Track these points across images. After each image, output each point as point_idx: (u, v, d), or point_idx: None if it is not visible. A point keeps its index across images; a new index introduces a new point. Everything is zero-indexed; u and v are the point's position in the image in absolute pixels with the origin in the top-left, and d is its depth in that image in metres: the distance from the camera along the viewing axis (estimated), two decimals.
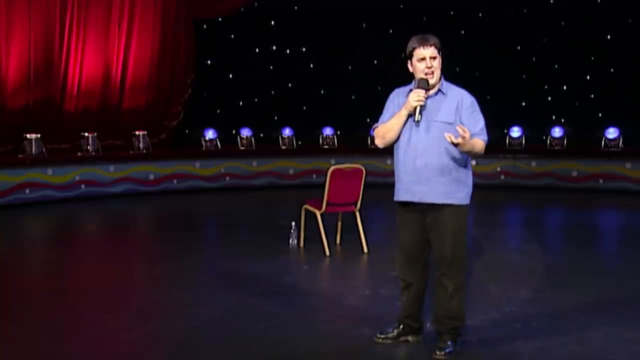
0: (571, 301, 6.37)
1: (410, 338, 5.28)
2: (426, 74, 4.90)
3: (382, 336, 5.30)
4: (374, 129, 5.12)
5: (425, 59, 4.91)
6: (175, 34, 13.69)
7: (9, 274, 7.47)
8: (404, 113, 4.93)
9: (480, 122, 4.93)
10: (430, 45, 4.91)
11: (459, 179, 4.95)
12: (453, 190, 4.93)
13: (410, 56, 4.99)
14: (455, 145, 4.74)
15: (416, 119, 4.88)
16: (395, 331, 5.29)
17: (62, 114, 12.55)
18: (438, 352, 5.00)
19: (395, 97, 5.10)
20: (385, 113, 5.10)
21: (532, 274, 7.35)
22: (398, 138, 5.00)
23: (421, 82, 4.91)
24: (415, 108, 4.87)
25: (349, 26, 14.19)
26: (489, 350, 5.18)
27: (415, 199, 4.97)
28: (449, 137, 4.71)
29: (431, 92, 4.95)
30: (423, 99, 4.87)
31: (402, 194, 5.03)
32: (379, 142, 5.08)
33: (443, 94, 4.96)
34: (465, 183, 4.99)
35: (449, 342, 5.04)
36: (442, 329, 5.08)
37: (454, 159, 4.91)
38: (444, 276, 5.01)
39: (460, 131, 4.70)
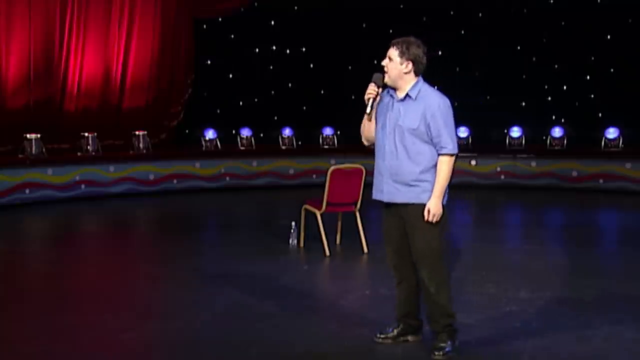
0: (571, 301, 6.38)
1: (410, 337, 5.28)
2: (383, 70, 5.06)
3: (382, 336, 5.30)
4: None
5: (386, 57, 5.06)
6: (175, 34, 13.69)
7: (9, 274, 7.47)
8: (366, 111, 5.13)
9: (442, 131, 4.90)
10: (393, 47, 5.01)
11: (424, 180, 4.95)
12: (418, 190, 4.95)
13: None
14: (433, 220, 4.91)
15: (366, 111, 5.09)
16: (395, 330, 5.29)
17: (62, 114, 12.55)
18: (437, 353, 4.99)
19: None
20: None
21: (532, 274, 7.35)
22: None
23: (375, 76, 5.09)
24: (367, 101, 5.06)
25: (349, 26, 14.19)
26: (488, 350, 5.19)
27: (384, 198, 5.09)
28: (426, 215, 4.91)
29: (402, 95, 5.01)
30: (373, 92, 5.05)
31: (374, 192, 5.18)
32: (363, 140, 5.35)
33: (412, 98, 4.97)
34: (432, 184, 4.95)
35: (447, 342, 5.04)
36: (437, 328, 5.09)
37: (421, 163, 4.95)
38: (425, 277, 5.03)
39: (425, 215, 4.91)
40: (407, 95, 4.98)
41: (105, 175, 11.97)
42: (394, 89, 5.05)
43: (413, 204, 4.96)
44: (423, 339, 5.28)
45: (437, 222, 4.95)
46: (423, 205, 4.93)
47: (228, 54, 14.20)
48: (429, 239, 4.97)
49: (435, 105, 4.92)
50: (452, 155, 4.95)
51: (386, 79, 5.03)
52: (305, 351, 5.18)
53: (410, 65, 4.95)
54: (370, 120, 5.13)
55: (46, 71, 12.19)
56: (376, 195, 5.15)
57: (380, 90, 5.05)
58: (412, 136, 4.92)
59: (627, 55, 13.46)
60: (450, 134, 4.93)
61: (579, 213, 11.30)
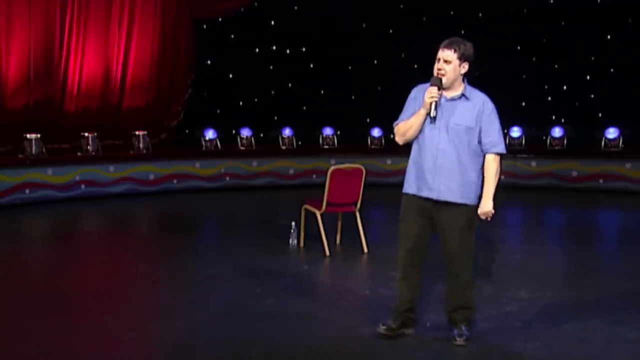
0: (571, 301, 6.38)
1: (406, 330, 5.43)
2: (436, 74, 5.11)
3: (384, 327, 5.38)
4: (395, 126, 5.33)
5: (439, 60, 5.12)
6: (175, 34, 13.68)
7: (9, 274, 7.47)
8: (422, 112, 5.15)
9: (496, 132, 5.17)
10: (449, 49, 5.11)
11: (474, 181, 5.18)
12: (468, 190, 5.16)
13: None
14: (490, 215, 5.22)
15: (432, 114, 5.10)
16: (396, 323, 5.39)
17: (62, 114, 12.54)
18: (458, 339, 5.24)
19: (415, 94, 5.30)
20: (406, 110, 5.31)
21: (532, 274, 7.35)
22: (418, 135, 5.20)
23: (433, 80, 5.12)
24: (430, 105, 5.08)
25: (349, 26, 14.18)
26: (489, 351, 5.19)
27: (434, 196, 5.15)
28: (484, 217, 5.21)
29: (455, 94, 5.15)
30: (436, 95, 5.08)
31: (420, 189, 5.19)
32: (400, 140, 5.33)
33: (467, 98, 5.16)
34: (478, 185, 5.21)
35: (464, 328, 5.27)
36: (458, 318, 5.30)
37: (472, 162, 5.15)
38: (457, 271, 5.23)
39: (484, 217, 5.21)
40: (462, 95, 5.15)
41: (105, 175, 11.96)
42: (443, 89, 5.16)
43: (463, 204, 5.14)
44: (416, 332, 5.44)
45: (474, 222, 5.20)
46: (472, 206, 5.16)
47: (228, 54, 14.19)
48: (468, 236, 5.22)
49: (490, 105, 5.19)
50: (502, 154, 5.21)
51: (444, 81, 5.10)
52: (306, 351, 5.19)
53: (466, 66, 5.15)
54: (433, 122, 5.13)
55: (46, 71, 12.18)
56: (422, 192, 5.18)
57: (440, 92, 5.11)
58: (467, 135, 5.10)
59: (627, 55, 13.46)
60: (501, 134, 5.20)
61: (579, 213, 11.30)
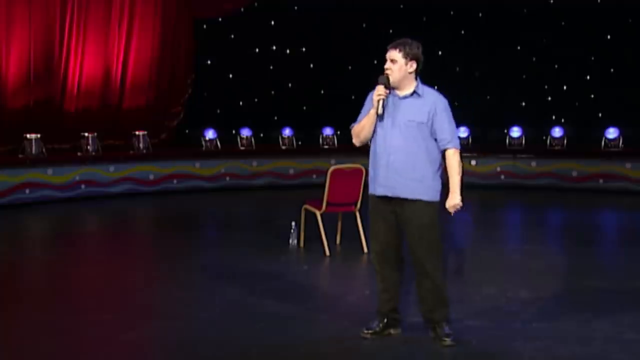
0: (571, 301, 6.38)
1: (392, 331, 5.43)
2: (384, 73, 5.21)
3: (368, 331, 5.39)
4: (351, 128, 5.40)
5: (386, 60, 5.21)
6: (175, 34, 13.69)
7: (9, 274, 7.47)
8: (372, 112, 5.24)
9: (451, 128, 5.21)
10: (394, 49, 5.19)
11: (430, 177, 5.20)
12: (423, 186, 5.18)
13: None
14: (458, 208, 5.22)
15: (379, 112, 5.17)
16: (381, 325, 5.41)
17: (62, 114, 12.55)
18: (446, 339, 5.22)
19: (371, 95, 5.35)
20: (362, 112, 5.39)
21: (532, 274, 7.35)
22: (373, 135, 5.28)
23: (381, 79, 5.21)
24: (377, 102, 5.16)
25: (349, 26, 14.19)
26: (489, 350, 5.19)
27: (389, 193, 5.22)
28: (452, 211, 5.21)
29: (406, 92, 5.22)
30: (383, 93, 5.16)
31: (377, 188, 5.28)
32: (355, 141, 5.44)
33: (418, 95, 5.22)
34: (435, 180, 5.23)
35: (446, 328, 5.26)
36: (439, 317, 5.29)
37: (427, 158, 5.19)
38: (426, 272, 5.23)
39: (452, 210, 5.22)
40: (414, 92, 5.20)
41: (105, 175, 11.96)
42: (393, 89, 5.22)
43: (419, 200, 5.16)
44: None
45: (436, 220, 5.20)
46: (432, 202, 5.18)
47: (228, 54, 14.20)
48: (430, 234, 5.20)
49: (441, 102, 5.23)
50: (458, 149, 5.22)
51: (391, 80, 5.18)
52: (306, 351, 5.18)
53: (414, 65, 5.19)
54: (381, 120, 5.21)
55: (46, 71, 12.19)
56: (379, 190, 5.24)
57: (388, 91, 5.18)
58: (420, 131, 5.15)
59: (627, 55, 13.47)
60: (455, 130, 5.25)
61: (579, 213, 11.30)
